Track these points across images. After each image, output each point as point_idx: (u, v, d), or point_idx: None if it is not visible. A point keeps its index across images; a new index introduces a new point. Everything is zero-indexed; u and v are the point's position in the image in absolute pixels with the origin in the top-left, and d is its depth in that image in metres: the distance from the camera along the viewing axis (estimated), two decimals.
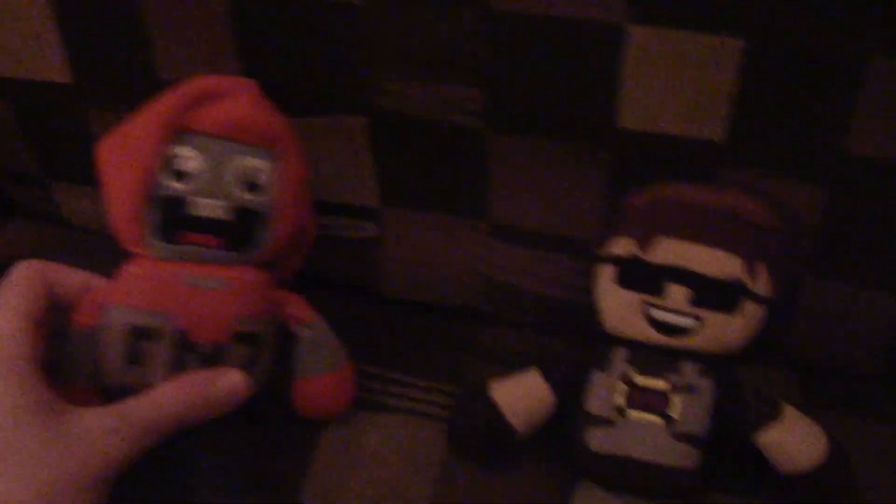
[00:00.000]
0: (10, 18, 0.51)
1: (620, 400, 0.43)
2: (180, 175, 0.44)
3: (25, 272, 0.43)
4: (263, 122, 0.45)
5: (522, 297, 0.54)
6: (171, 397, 0.43)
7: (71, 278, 0.44)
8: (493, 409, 0.46)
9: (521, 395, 0.47)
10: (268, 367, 0.49)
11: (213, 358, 0.45)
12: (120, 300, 0.44)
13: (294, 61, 0.49)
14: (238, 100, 0.45)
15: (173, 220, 0.44)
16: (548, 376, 0.46)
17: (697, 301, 0.43)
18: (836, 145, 0.44)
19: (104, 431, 0.40)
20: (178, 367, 0.45)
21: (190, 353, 0.45)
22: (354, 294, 0.58)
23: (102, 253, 0.60)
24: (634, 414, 0.43)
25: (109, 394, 0.44)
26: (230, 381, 0.44)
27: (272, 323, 0.48)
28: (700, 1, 0.42)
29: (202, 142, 0.44)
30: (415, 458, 0.49)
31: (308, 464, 0.49)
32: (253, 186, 0.45)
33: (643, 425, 0.43)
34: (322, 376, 0.49)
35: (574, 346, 0.50)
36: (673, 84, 0.44)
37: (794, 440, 0.44)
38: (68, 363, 0.43)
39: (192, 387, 0.43)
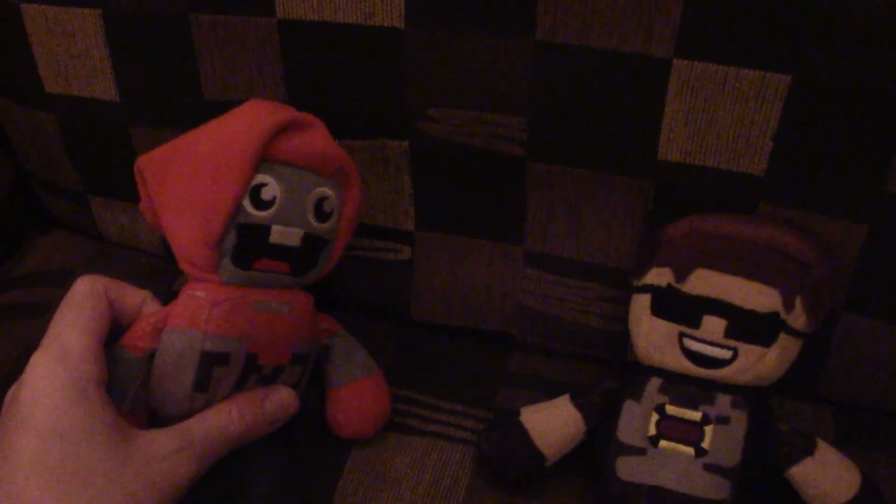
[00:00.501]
0: (60, 34, 0.52)
1: (652, 430, 0.44)
2: (261, 203, 0.44)
3: (89, 288, 0.42)
4: (337, 154, 0.46)
5: (554, 325, 0.55)
6: (229, 416, 0.43)
7: (131, 297, 0.44)
8: (523, 434, 0.47)
9: (552, 422, 0.47)
10: (306, 386, 0.49)
11: (271, 379, 0.46)
12: (188, 325, 0.43)
13: (339, 86, 0.50)
14: (315, 132, 0.46)
15: (251, 247, 0.44)
16: (579, 404, 0.47)
17: (733, 333, 0.44)
18: (875, 183, 0.44)
19: (170, 453, 0.40)
20: (239, 388, 0.45)
21: (254, 375, 0.45)
22: (386, 317, 0.58)
23: (136, 267, 0.61)
24: (665, 444, 0.43)
25: (156, 418, 0.44)
26: (281, 398, 0.45)
27: (316, 345, 0.49)
28: (747, 37, 0.42)
29: (283, 171, 0.45)
30: (441, 480, 0.49)
31: (336, 484, 0.49)
32: (323, 215, 0.46)
33: (674, 455, 0.43)
34: (359, 380, 0.50)
35: (605, 375, 0.50)
36: (715, 118, 0.45)
37: (827, 476, 0.44)
38: (116, 386, 0.42)
39: (248, 405, 0.44)
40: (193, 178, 0.44)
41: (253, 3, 0.48)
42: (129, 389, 0.43)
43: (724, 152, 0.45)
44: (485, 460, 0.49)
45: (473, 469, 0.50)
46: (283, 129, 0.44)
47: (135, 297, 0.44)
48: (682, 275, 0.45)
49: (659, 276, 0.46)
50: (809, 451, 0.44)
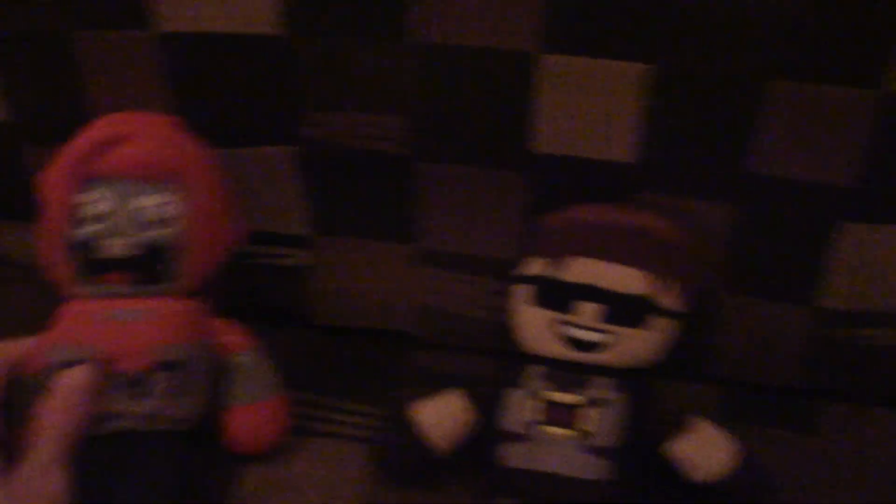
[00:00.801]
0: None
1: (535, 416, 0.45)
2: (91, 219, 0.46)
3: None
4: (164, 160, 0.47)
5: (451, 320, 0.56)
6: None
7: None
8: (416, 429, 0.48)
9: (444, 415, 0.48)
10: (202, 396, 0.49)
11: (137, 385, 0.46)
12: (55, 340, 0.46)
13: (223, 95, 0.50)
14: (139, 141, 0.47)
15: (91, 263, 0.47)
16: (469, 396, 0.48)
17: (607, 317, 0.45)
18: (739, 165, 0.46)
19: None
20: (105, 395, 0.46)
21: (116, 382, 0.46)
22: (289, 322, 0.59)
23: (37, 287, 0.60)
24: (548, 429, 0.44)
25: None
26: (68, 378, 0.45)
27: (203, 352, 0.49)
28: (608, 30, 0.44)
29: (107, 185, 0.46)
30: (341, 480, 0.50)
31: (233, 493, 0.50)
32: (161, 222, 0.47)
33: (557, 440, 0.44)
34: (252, 405, 0.50)
35: (505, 367, 0.51)
36: (584, 109, 0.46)
37: (704, 451, 0.45)
38: (21, 409, 0.45)
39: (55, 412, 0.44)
40: (42, 202, 0.47)
41: (133, 18, 0.49)
42: (32, 408, 0.45)
43: (594, 142, 0.47)
44: (379, 456, 0.49)
45: (373, 466, 0.50)
46: (107, 144, 0.46)
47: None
48: (557, 264, 0.46)
49: (537, 266, 0.47)
50: (686, 427, 0.45)
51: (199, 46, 0.49)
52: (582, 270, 0.46)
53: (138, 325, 0.47)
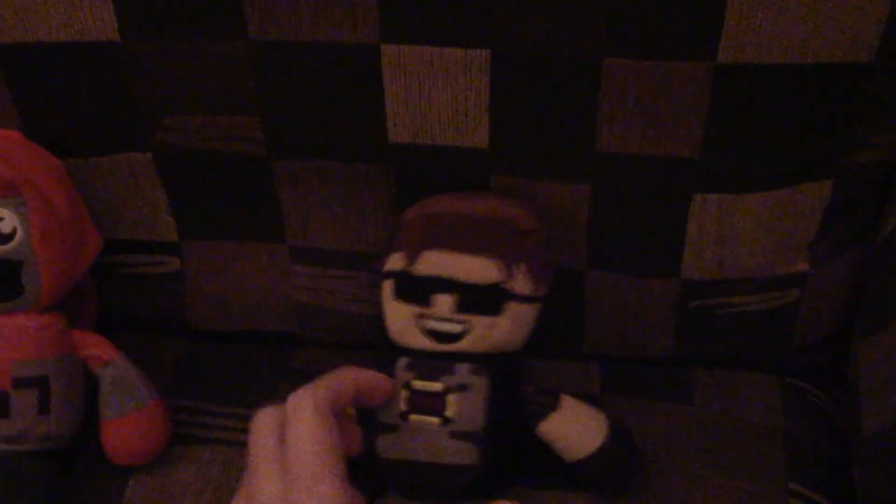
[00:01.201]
0: None
1: (402, 406, 0.45)
2: None
3: (317, 409, 0.38)
4: (3, 173, 0.46)
5: (330, 317, 0.55)
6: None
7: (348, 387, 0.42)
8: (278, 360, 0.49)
9: None
10: (70, 412, 0.49)
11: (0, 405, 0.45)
12: None
13: (69, 105, 0.49)
14: None
15: None
16: None
17: (462, 307, 0.45)
18: (587, 144, 0.46)
19: None
20: None
21: None
22: (166, 330, 0.58)
23: None
24: (415, 417, 0.45)
25: None
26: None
27: (68, 366, 0.49)
28: (444, 17, 0.44)
29: None
30: (227, 487, 0.50)
31: (121, 502, 0.49)
32: (3, 237, 0.45)
33: (422, 428, 0.44)
34: (125, 417, 0.49)
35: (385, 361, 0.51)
36: (432, 97, 0.46)
37: (573, 428, 0.45)
38: None
39: None
40: None
41: None
42: None
43: (447, 129, 0.47)
44: None
45: None
46: None
47: (349, 390, 0.42)
48: (412, 258, 0.46)
49: (396, 260, 0.47)
50: (554, 406, 0.46)
51: (38, 57, 0.47)
52: (434, 263, 0.46)
53: None
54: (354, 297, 0.54)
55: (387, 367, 0.46)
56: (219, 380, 0.55)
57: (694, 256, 0.49)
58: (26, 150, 0.49)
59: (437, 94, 0.46)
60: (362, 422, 0.47)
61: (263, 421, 0.39)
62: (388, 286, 0.47)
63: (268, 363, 0.56)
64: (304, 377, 0.54)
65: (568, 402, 0.46)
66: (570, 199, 0.48)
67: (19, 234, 0.46)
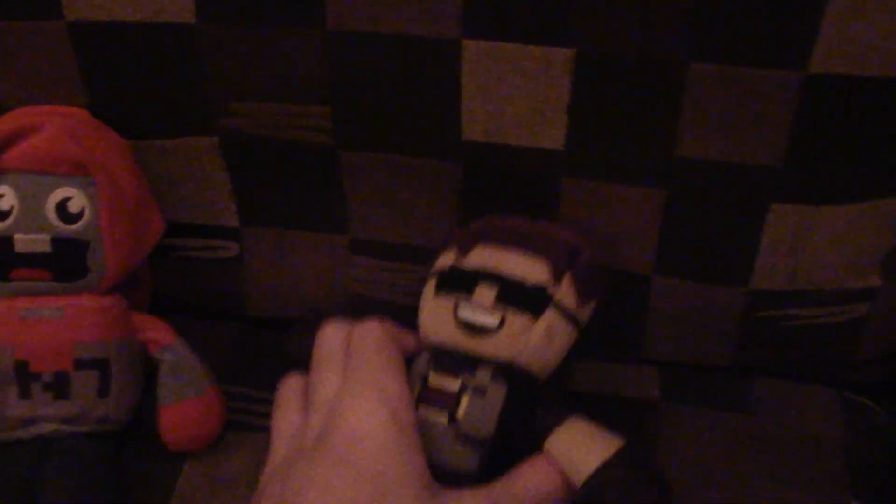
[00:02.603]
0: None
1: (415, 398, 0.43)
2: (0, 214, 0.45)
3: (386, 332, 0.41)
4: (69, 152, 0.46)
5: (384, 309, 0.54)
6: (545, 474, 0.40)
7: (410, 340, 0.44)
8: None
9: None
10: (128, 395, 0.49)
11: (57, 386, 0.45)
12: None
13: (138, 86, 0.49)
14: (43, 134, 0.46)
15: (1, 259, 0.45)
16: None
17: (502, 300, 0.44)
18: (666, 149, 0.45)
19: None
20: (25, 397, 0.45)
21: (35, 383, 0.45)
22: (221, 316, 0.58)
23: None
24: (423, 409, 0.43)
25: None
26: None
27: (128, 349, 0.48)
28: (527, 13, 0.43)
29: (16, 179, 0.45)
30: None
31: (174, 488, 0.49)
32: (69, 216, 0.45)
33: (428, 422, 0.42)
34: (184, 402, 0.49)
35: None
36: (510, 95, 0.45)
37: (575, 444, 0.42)
38: None
39: (548, 466, 0.40)
40: None
41: (39, 6, 0.47)
42: None
43: (522, 129, 0.46)
44: (290, 359, 0.48)
45: None
46: (13, 137, 0.45)
47: (412, 341, 0.44)
48: (463, 252, 0.46)
49: (445, 259, 0.47)
50: (559, 422, 0.42)
51: (109, 35, 0.47)
52: (484, 257, 0.45)
53: (55, 323, 0.46)
54: (411, 291, 0.53)
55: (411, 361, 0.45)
56: (273, 368, 0.54)
57: (765, 266, 0.48)
58: (94, 129, 0.48)
59: (515, 92, 0.45)
60: None
61: (330, 330, 0.42)
62: (430, 285, 0.47)
63: None
64: None
65: (576, 418, 0.43)
66: (643, 203, 0.47)
67: (87, 215, 0.46)
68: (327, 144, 0.49)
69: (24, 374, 0.45)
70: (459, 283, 0.45)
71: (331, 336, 0.42)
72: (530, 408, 0.43)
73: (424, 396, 0.43)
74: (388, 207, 0.51)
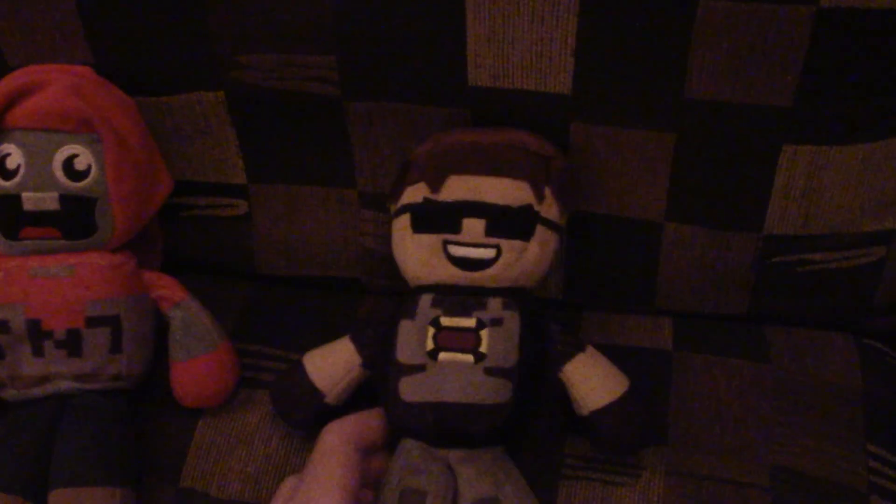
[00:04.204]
0: None
1: (430, 344, 0.43)
2: (7, 173, 0.45)
3: (338, 439, 0.41)
4: (74, 108, 0.46)
5: (394, 264, 0.54)
6: None
7: (375, 422, 0.43)
8: (301, 373, 0.47)
9: (329, 360, 0.47)
10: (141, 352, 0.49)
11: (69, 344, 0.45)
12: None
13: (143, 42, 0.48)
14: (49, 90, 0.45)
15: (9, 218, 0.45)
16: (354, 339, 0.47)
17: (493, 230, 0.44)
18: (675, 91, 0.44)
19: None
20: (38, 355, 0.45)
21: (47, 341, 0.45)
22: (232, 274, 0.57)
23: None
24: (445, 356, 0.42)
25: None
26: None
27: (140, 306, 0.48)
28: None
29: (21, 136, 0.45)
30: (294, 432, 0.49)
31: (189, 445, 0.49)
32: (76, 173, 0.45)
33: (454, 365, 0.42)
34: (196, 359, 0.49)
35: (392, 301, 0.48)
36: (516, 39, 0.45)
37: (595, 374, 0.44)
38: None
39: None
40: None
41: None
42: None
43: (529, 73, 0.46)
44: (272, 401, 0.49)
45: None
46: (19, 95, 0.45)
47: (374, 424, 0.43)
48: (435, 185, 0.45)
49: (414, 193, 0.46)
50: (581, 348, 0.44)
51: None
52: (461, 187, 0.44)
53: (66, 280, 0.46)
54: None
55: (403, 306, 0.45)
56: (285, 325, 0.55)
57: (778, 210, 0.48)
58: (100, 86, 0.48)
59: (521, 35, 0.44)
60: (376, 367, 0.45)
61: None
62: (403, 221, 0.46)
63: (333, 310, 0.56)
64: (367, 324, 0.55)
65: (593, 349, 0.45)
66: (652, 147, 0.47)
67: (94, 172, 0.46)
68: (333, 95, 0.49)
69: (36, 333, 0.45)
70: (441, 218, 0.44)
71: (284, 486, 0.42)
72: (541, 329, 0.44)
73: (442, 343, 0.43)
74: (396, 159, 0.50)
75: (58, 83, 0.46)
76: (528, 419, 0.44)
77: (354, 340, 0.46)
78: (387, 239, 0.54)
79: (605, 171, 0.48)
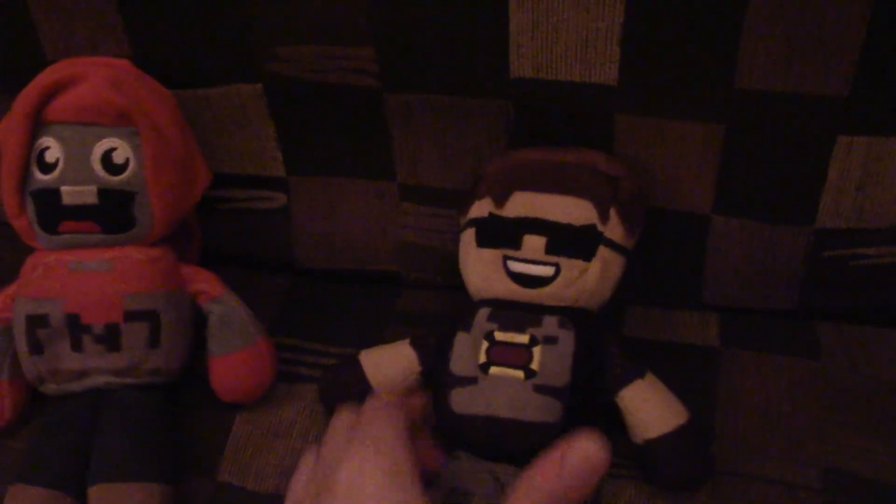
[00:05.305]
0: None
1: (482, 357, 0.42)
2: (46, 167, 0.45)
3: (391, 396, 0.39)
4: (112, 101, 0.45)
5: (436, 258, 0.54)
6: (532, 492, 0.37)
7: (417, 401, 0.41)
8: (358, 370, 0.47)
9: (387, 361, 0.47)
10: (179, 347, 0.48)
11: (108, 339, 0.45)
12: (20, 292, 0.46)
13: (181, 34, 0.48)
14: (86, 84, 0.45)
15: (49, 212, 0.45)
16: (415, 343, 0.46)
17: (553, 248, 0.43)
18: (725, 81, 0.43)
19: None
20: (77, 349, 0.45)
21: (86, 336, 0.45)
22: (270, 267, 0.57)
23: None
24: (496, 370, 0.42)
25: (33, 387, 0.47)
26: (581, 448, 0.37)
27: (178, 300, 0.48)
28: None
29: (61, 130, 0.45)
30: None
31: (227, 439, 0.49)
32: (115, 167, 0.45)
33: (504, 381, 0.42)
34: (233, 353, 0.49)
35: (451, 310, 0.49)
36: (560, 29, 0.43)
37: (654, 402, 0.43)
38: None
39: (546, 472, 0.37)
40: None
41: None
42: (2, 358, 0.46)
43: (574, 64, 0.44)
44: (320, 394, 0.49)
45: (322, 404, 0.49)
46: (59, 87, 0.44)
47: (419, 401, 0.41)
48: (500, 201, 0.45)
49: (480, 208, 0.46)
50: (641, 374, 0.43)
51: None
52: (524, 204, 0.44)
53: (105, 275, 0.46)
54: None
55: (460, 317, 0.44)
56: (323, 319, 0.54)
57: (832, 203, 0.46)
58: (138, 79, 0.48)
59: (564, 25, 0.43)
60: (432, 377, 0.45)
61: (340, 415, 0.39)
62: (469, 235, 0.46)
63: (372, 304, 0.55)
64: (408, 319, 0.54)
65: (653, 376, 0.43)
66: (701, 139, 0.45)
67: (132, 165, 0.46)
68: (372, 87, 0.48)
69: (75, 327, 0.45)
70: (503, 233, 0.44)
71: (340, 420, 0.40)
72: (599, 351, 0.43)
73: (494, 357, 0.42)
74: (436, 151, 0.50)
75: (96, 76, 0.46)
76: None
77: (416, 348, 0.46)
78: (426, 232, 0.53)
79: (650, 163, 0.47)
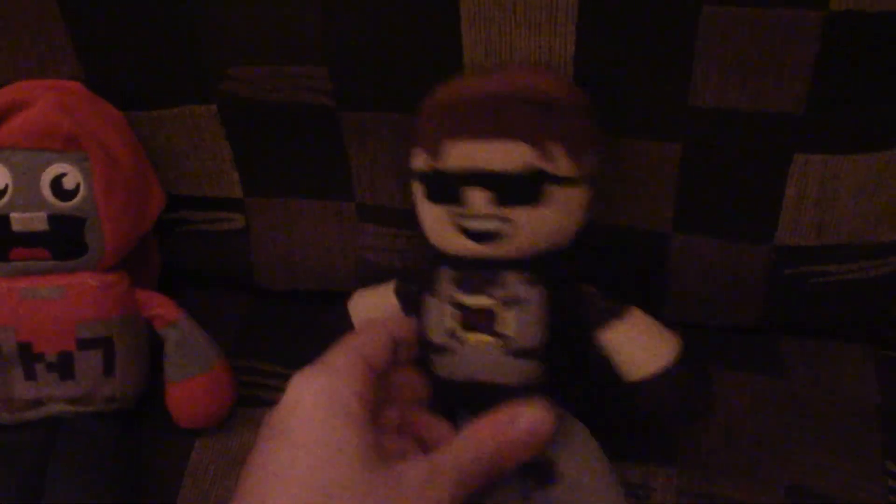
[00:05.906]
0: None
1: (451, 323, 0.41)
2: None
3: (367, 322, 0.41)
4: (60, 126, 0.45)
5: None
6: (474, 444, 0.38)
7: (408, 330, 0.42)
8: (345, 313, 0.46)
9: (372, 304, 0.46)
10: (135, 374, 0.48)
11: (61, 367, 0.45)
12: None
13: (133, 55, 0.47)
14: (36, 107, 0.45)
15: None
16: (398, 291, 0.45)
17: (499, 201, 0.40)
18: (679, 100, 0.43)
19: (421, 483, 0.36)
20: (30, 378, 0.44)
21: (39, 364, 0.45)
22: (231, 288, 0.56)
23: None
24: (469, 337, 0.40)
25: None
26: (531, 414, 0.38)
27: (132, 326, 0.47)
28: None
29: (8, 156, 0.44)
30: None
31: (186, 465, 0.48)
32: (65, 193, 0.44)
33: (478, 347, 0.40)
34: (192, 378, 0.48)
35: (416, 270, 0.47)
36: (513, 46, 0.43)
37: (638, 341, 0.40)
38: None
39: (493, 431, 0.39)
40: None
41: None
42: None
43: None
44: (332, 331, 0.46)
45: None
46: (7, 113, 0.44)
47: (405, 326, 0.42)
48: (434, 153, 0.41)
49: (418, 158, 0.43)
50: (618, 314, 0.41)
51: (100, 4, 0.46)
52: (460, 155, 0.40)
53: (57, 302, 0.45)
54: (421, 257, 0.52)
55: (425, 277, 0.43)
56: (283, 340, 0.54)
57: (791, 221, 0.46)
58: (88, 102, 0.47)
59: (518, 43, 0.43)
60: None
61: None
62: (417, 188, 0.43)
63: (333, 324, 0.54)
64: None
65: (636, 313, 0.41)
66: (658, 157, 0.45)
67: (82, 191, 0.45)
68: (328, 106, 0.47)
69: (27, 356, 0.45)
70: (446, 189, 0.41)
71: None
72: (573, 296, 0.41)
73: (464, 323, 0.41)
74: (393, 170, 0.49)
75: (44, 101, 0.45)
76: (572, 386, 0.41)
77: (398, 294, 0.45)
78: (386, 252, 0.53)
79: (608, 181, 0.46)
